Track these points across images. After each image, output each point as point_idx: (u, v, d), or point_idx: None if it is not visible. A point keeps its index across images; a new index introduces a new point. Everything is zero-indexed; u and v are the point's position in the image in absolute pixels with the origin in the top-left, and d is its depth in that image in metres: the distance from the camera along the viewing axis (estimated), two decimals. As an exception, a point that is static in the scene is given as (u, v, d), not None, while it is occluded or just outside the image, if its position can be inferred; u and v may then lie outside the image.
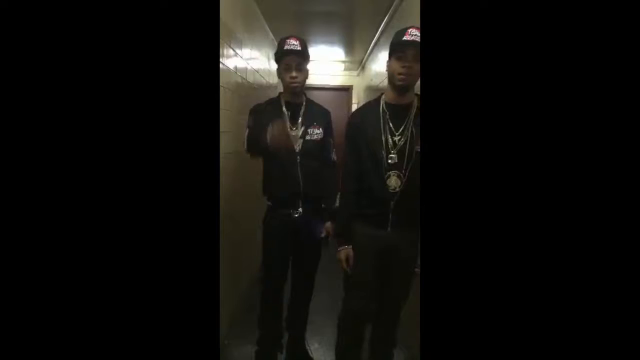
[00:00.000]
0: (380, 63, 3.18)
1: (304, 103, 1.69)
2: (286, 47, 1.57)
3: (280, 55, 1.60)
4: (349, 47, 4.16)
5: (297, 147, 1.61)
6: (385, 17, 2.73)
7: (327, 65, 5.01)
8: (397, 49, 1.37)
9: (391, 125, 1.41)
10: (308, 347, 1.93)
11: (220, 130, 1.66)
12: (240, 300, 2.41)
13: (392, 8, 2.59)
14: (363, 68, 4.41)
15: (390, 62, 1.41)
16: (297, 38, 1.60)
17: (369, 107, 1.50)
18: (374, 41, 3.43)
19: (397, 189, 1.39)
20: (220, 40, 1.77)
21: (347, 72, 5.07)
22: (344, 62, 5.05)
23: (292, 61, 1.59)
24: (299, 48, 1.58)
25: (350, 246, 1.48)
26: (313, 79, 4.92)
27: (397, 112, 1.42)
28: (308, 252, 1.73)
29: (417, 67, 1.35)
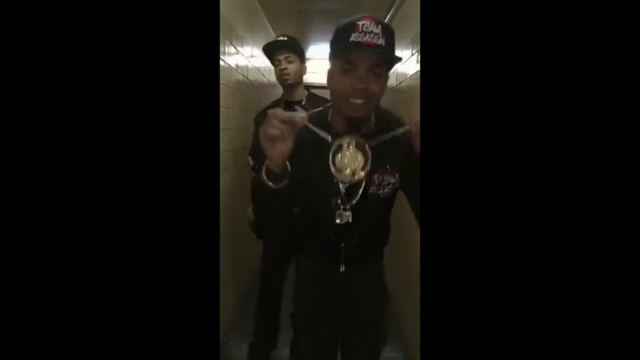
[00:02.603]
0: (381, 62, 3.17)
1: (305, 99, 1.66)
2: (273, 41, 1.62)
3: (269, 52, 1.62)
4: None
5: None
6: (386, 16, 2.73)
7: (328, 63, 4.97)
8: (342, 58, 0.84)
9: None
10: None
11: (221, 127, 1.66)
12: (240, 297, 2.41)
13: (393, 7, 2.59)
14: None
15: (334, 76, 0.87)
16: (285, 35, 1.63)
17: (312, 133, 0.92)
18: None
19: (348, 242, 0.96)
20: (222, 37, 1.77)
21: (348, 71, 5.03)
22: (345, 60, 5.03)
23: (281, 54, 1.59)
24: (284, 39, 1.60)
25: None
26: (314, 78, 4.91)
27: None
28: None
29: (376, 86, 0.84)
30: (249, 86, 2.49)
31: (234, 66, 2.10)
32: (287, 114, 0.76)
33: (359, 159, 0.81)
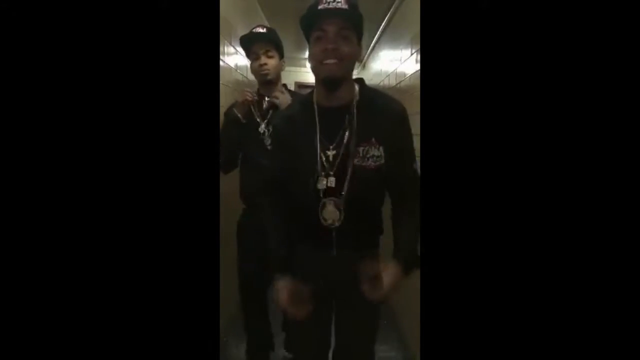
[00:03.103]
0: (381, 62, 3.18)
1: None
2: (250, 33, 1.49)
3: (247, 45, 1.51)
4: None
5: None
6: (386, 16, 2.73)
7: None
8: (313, 27, 0.94)
9: (322, 136, 1.01)
10: None
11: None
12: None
13: (393, 7, 2.59)
14: (364, 67, 4.41)
15: (310, 48, 0.97)
16: (263, 26, 1.50)
17: (299, 109, 1.09)
18: (374, 40, 3.43)
19: (335, 223, 1.00)
20: (221, 37, 1.77)
21: (347, 71, 5.05)
22: (344, 60, 5.04)
23: (259, 48, 1.49)
24: (263, 31, 1.48)
25: (288, 276, 1.02)
26: (311, 78, 4.92)
27: (331, 117, 1.00)
28: None
29: (346, 49, 0.94)
30: (248, 86, 2.49)
31: (233, 66, 2.10)
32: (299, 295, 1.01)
33: (337, 214, 1.01)
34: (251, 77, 2.57)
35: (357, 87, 1.04)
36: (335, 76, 0.96)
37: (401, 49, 2.35)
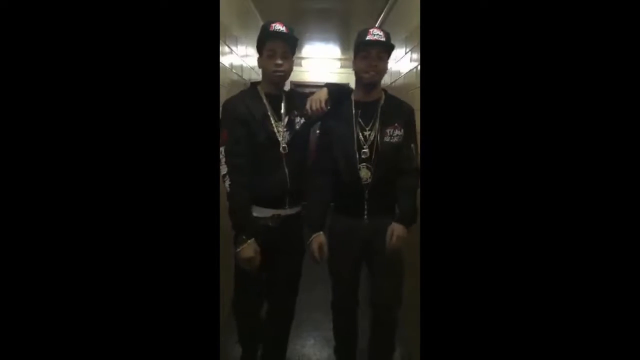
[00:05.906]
0: (376, 60, 3.17)
1: (284, 93, 1.52)
2: (271, 29, 1.39)
3: (264, 40, 1.42)
4: (345, 45, 4.17)
5: (283, 139, 1.43)
6: (381, 14, 2.74)
7: (323, 62, 5.01)
8: (361, 49, 1.44)
9: (361, 121, 1.48)
10: None
11: (217, 127, 1.65)
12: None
13: (388, 5, 2.60)
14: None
15: (356, 62, 1.48)
16: (283, 23, 1.41)
17: (340, 104, 1.53)
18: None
19: (369, 180, 1.46)
20: (216, 37, 1.76)
21: (343, 70, 5.07)
22: (340, 59, 5.05)
23: (278, 47, 1.40)
24: (284, 31, 1.39)
25: (321, 233, 1.47)
26: (309, 77, 4.91)
27: (366, 108, 1.49)
28: (286, 267, 1.53)
29: (381, 65, 1.45)
30: (244, 85, 2.49)
31: (228, 65, 2.10)
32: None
33: (369, 174, 1.46)
34: (247, 77, 2.57)
35: (383, 93, 1.54)
36: (373, 82, 1.47)
37: (395, 48, 2.36)
